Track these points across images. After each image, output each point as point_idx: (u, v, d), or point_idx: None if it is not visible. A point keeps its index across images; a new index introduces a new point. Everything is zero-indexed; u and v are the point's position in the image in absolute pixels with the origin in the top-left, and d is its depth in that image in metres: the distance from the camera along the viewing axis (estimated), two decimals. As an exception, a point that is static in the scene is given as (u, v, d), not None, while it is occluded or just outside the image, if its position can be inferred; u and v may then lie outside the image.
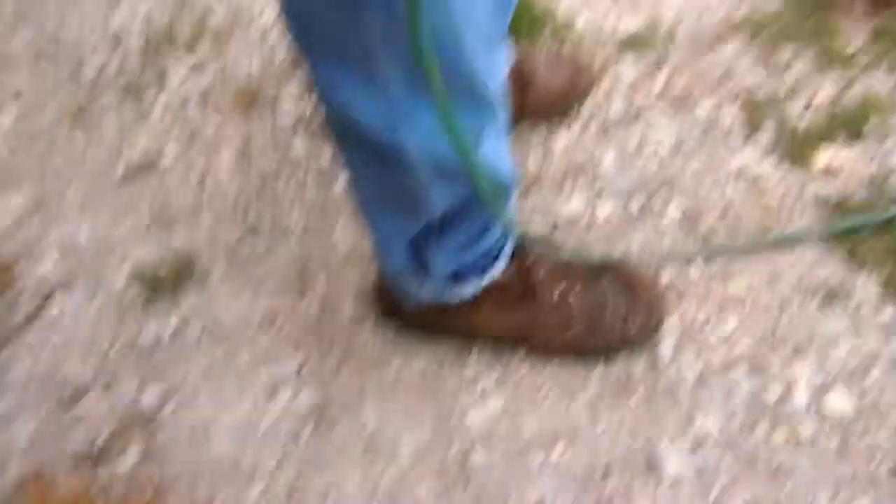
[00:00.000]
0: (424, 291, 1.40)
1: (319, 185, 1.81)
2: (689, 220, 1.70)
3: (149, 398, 1.50)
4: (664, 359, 1.50)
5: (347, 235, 1.72)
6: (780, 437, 1.42)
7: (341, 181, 1.81)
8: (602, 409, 1.46)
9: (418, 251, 1.33)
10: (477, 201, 1.23)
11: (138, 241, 1.74)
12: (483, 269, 1.39)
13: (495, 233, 1.37)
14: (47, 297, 1.65)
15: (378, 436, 1.45)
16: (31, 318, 1.62)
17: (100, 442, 1.45)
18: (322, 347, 1.56)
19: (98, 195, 1.82)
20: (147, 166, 1.84)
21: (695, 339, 1.53)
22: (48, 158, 1.87)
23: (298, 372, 1.54)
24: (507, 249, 1.41)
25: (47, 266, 1.71)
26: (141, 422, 1.47)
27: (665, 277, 1.59)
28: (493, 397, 1.49)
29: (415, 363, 1.53)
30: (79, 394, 1.51)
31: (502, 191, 1.23)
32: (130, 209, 1.79)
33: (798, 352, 1.49)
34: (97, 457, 1.43)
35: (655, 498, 1.36)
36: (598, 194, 1.74)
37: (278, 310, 1.62)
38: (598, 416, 1.45)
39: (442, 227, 1.28)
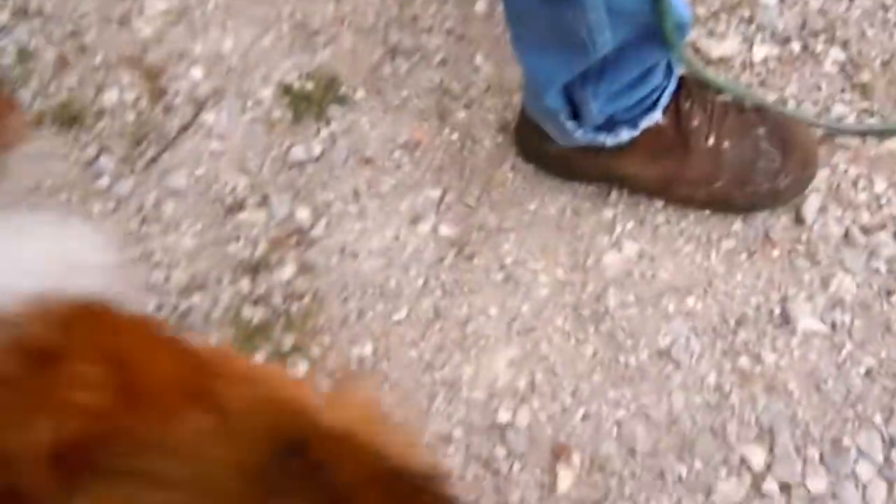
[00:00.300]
0: (574, 134, 1.39)
1: (460, 7, 1.75)
2: (851, 66, 1.61)
3: (301, 215, 1.58)
4: (808, 216, 1.49)
5: (489, 66, 1.69)
6: (917, 302, 1.43)
7: (482, 4, 1.75)
8: (740, 263, 1.48)
9: (575, 93, 1.32)
10: (640, 45, 1.21)
11: (282, 56, 1.75)
12: (638, 117, 1.38)
13: (654, 80, 1.34)
14: (200, 107, 1.71)
15: (516, 268, 1.52)
16: (186, 127, 1.69)
17: (258, 254, 1.55)
18: (463, 180, 1.60)
19: (239, 6, 1.81)
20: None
21: (841, 198, 1.51)
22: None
23: (440, 202, 1.59)
24: (665, 98, 1.38)
25: (196, 76, 1.75)
26: (295, 237, 1.56)
27: (817, 131, 1.54)
28: (630, 242, 1.52)
29: (553, 203, 1.56)
30: (237, 206, 1.60)
31: (681, 28, 1.19)
32: (273, 22, 1.78)
33: (951, 220, 1.46)
34: (256, 267, 1.54)
35: (785, 352, 1.41)
36: (755, 34, 1.65)
37: (420, 136, 1.65)
38: (735, 268, 1.48)
39: (602, 70, 1.26)
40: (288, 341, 1.47)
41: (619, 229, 1.53)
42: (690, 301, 1.46)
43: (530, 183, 1.59)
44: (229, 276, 1.53)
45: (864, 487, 1.30)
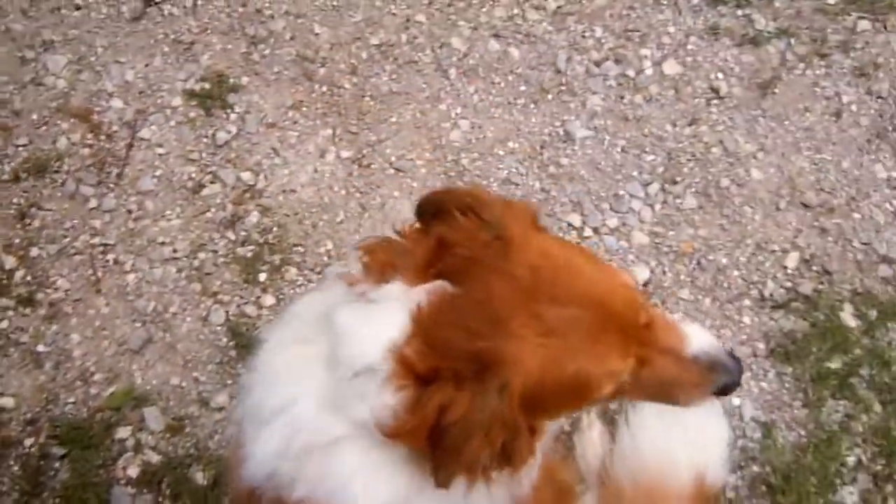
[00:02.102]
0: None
1: (291, -8, 2.40)
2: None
3: (244, 176, 2.25)
4: (561, 66, 2.35)
5: (326, 30, 2.39)
6: (639, 98, 2.34)
7: (305, -15, 2.41)
8: (531, 110, 2.33)
9: None
10: None
11: (174, 70, 2.35)
12: None
13: None
14: (133, 128, 2.29)
15: (400, 162, 2.29)
16: (131, 145, 2.27)
17: (228, 212, 2.22)
18: (342, 116, 2.32)
19: (121, 44, 2.36)
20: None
21: (578, 46, 2.37)
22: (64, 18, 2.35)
23: (333, 136, 2.31)
24: None
25: (118, 105, 2.32)
26: (248, 193, 2.24)
27: None
28: (463, 120, 2.32)
29: (406, 112, 2.32)
30: (197, 186, 2.24)
31: None
32: (154, 46, 2.36)
33: (644, 39, 2.37)
34: (232, 221, 2.21)
35: (573, 155, 2.30)
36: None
37: (300, 97, 2.34)
38: (530, 115, 2.33)
39: None
40: (276, 259, 2.18)
41: (453, 114, 2.32)
42: (511, 144, 2.30)
43: (386, 104, 2.34)
44: (216, 233, 2.20)
45: (639, 213, 2.23)
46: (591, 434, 1.97)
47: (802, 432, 2.02)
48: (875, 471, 2.00)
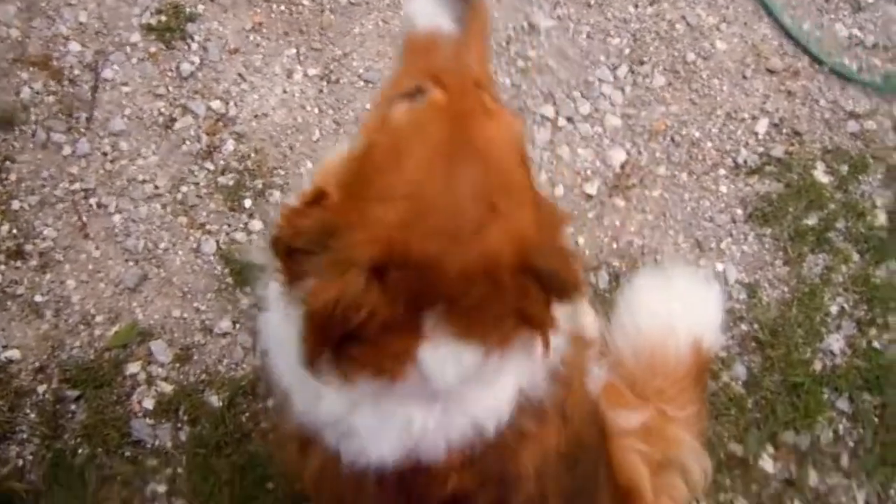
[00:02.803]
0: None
1: (235, -88, 2.34)
2: None
3: (214, 105, 2.24)
4: (518, -41, 2.33)
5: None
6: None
7: None
8: (495, 1, 2.32)
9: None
10: None
11: (128, 5, 2.30)
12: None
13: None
14: (95, 69, 2.26)
15: (368, 73, 2.29)
16: (95, 87, 2.24)
17: (203, 144, 2.22)
18: (304, 34, 2.30)
19: (74, -20, 2.30)
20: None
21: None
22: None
23: (298, 55, 2.29)
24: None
25: (76, 48, 2.28)
26: (220, 122, 2.24)
27: None
28: (426, 23, 2.31)
29: (368, 22, 2.30)
30: (169, 121, 2.23)
31: None
32: (107, -17, 2.31)
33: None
34: (208, 152, 2.21)
35: (539, 45, 2.30)
36: None
37: (259, 18, 2.31)
38: (492, 7, 2.31)
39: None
40: (258, 184, 2.19)
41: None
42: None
43: (346, 16, 2.32)
44: (195, 166, 2.20)
45: (610, 97, 2.26)
46: (585, 321, 2.04)
47: (785, 288, 2.11)
48: (858, 317, 2.10)
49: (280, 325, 1.19)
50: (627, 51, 2.32)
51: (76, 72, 2.26)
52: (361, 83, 2.28)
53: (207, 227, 2.13)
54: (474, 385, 1.07)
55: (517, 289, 1.03)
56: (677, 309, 1.77)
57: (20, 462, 1.92)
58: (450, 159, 1.01)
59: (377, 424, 1.09)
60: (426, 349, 1.02)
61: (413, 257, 0.98)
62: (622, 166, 2.19)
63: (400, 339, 1.02)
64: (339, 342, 1.02)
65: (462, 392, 1.08)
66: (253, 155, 2.21)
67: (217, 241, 2.11)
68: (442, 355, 1.03)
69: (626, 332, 1.79)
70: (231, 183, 2.18)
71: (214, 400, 1.96)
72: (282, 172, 2.20)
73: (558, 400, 1.20)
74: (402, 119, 1.06)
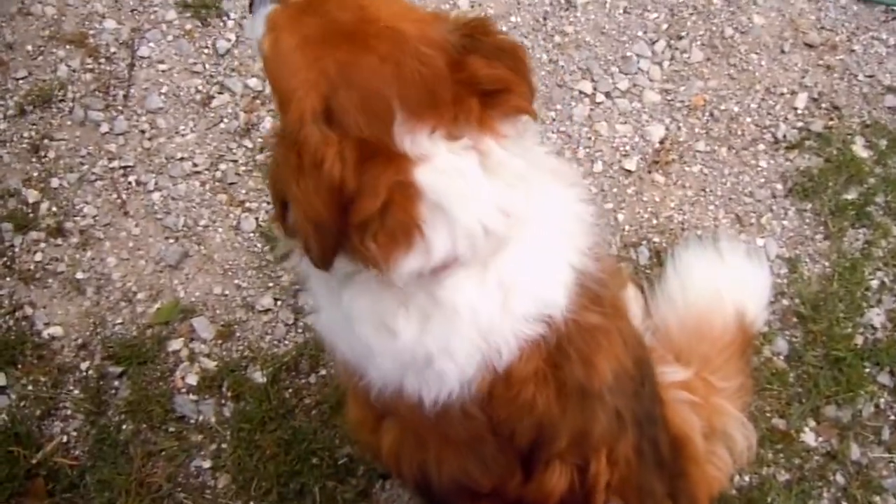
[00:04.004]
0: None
1: None
2: None
3: (251, 83, 2.23)
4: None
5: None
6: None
7: None
8: (529, -19, 2.30)
9: None
10: None
11: (164, -19, 2.29)
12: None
13: None
14: (132, 46, 2.26)
15: None
16: (132, 64, 2.24)
17: (241, 122, 2.22)
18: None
19: (109, -43, 2.29)
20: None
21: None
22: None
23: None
24: None
25: (112, 26, 2.27)
26: (258, 100, 2.23)
27: None
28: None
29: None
30: (207, 98, 2.22)
31: None
32: (142, -41, 2.30)
33: None
34: (247, 130, 2.21)
35: (576, 21, 2.29)
36: None
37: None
38: (529, -14, 2.30)
39: None
40: (296, 162, 2.19)
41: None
42: (513, 18, 2.30)
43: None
44: (233, 143, 2.20)
45: (648, 72, 2.25)
46: (627, 295, 2.04)
47: (826, 263, 2.10)
48: (898, 291, 2.10)
49: (330, 296, 1.20)
50: (665, 26, 2.31)
51: (112, 49, 2.26)
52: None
53: (247, 204, 2.13)
54: (510, 226, 1.06)
55: (449, 63, 1.04)
56: (724, 281, 1.77)
57: (65, 438, 1.94)
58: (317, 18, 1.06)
59: (447, 332, 1.09)
60: (420, 170, 1.01)
61: (340, 82, 1.01)
62: (661, 142, 2.18)
63: (387, 175, 1.01)
64: (344, 235, 1.03)
65: (502, 243, 1.07)
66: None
67: (257, 219, 2.11)
68: (439, 167, 1.02)
69: (672, 302, 1.79)
70: (269, 160, 2.18)
71: (258, 376, 1.96)
72: (320, 149, 2.19)
73: (612, 298, 1.21)
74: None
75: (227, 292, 2.06)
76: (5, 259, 2.06)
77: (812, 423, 1.98)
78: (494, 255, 1.07)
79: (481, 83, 1.05)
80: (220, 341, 2.01)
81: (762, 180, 2.17)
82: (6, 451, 1.87)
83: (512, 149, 1.07)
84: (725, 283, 1.79)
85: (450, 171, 1.03)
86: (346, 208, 1.01)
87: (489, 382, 1.12)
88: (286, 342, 2.01)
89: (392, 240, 1.02)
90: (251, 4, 1.19)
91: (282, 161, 1.04)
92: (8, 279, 2.05)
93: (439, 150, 1.03)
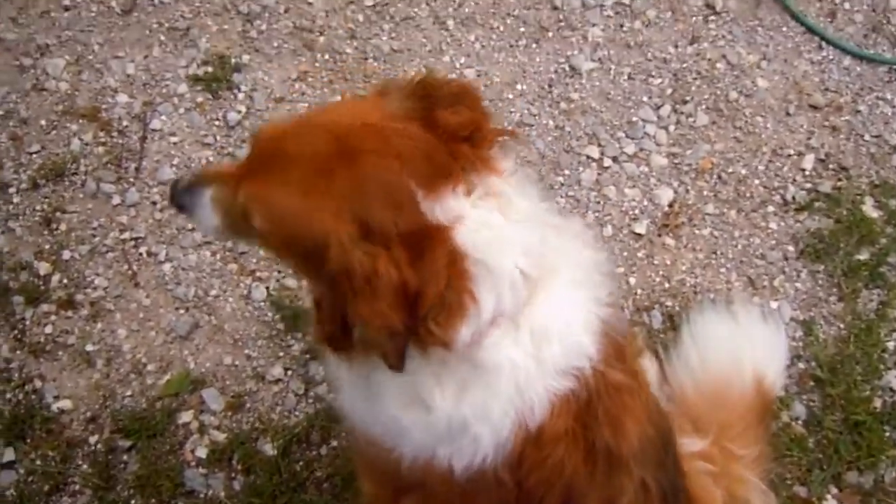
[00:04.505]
0: None
1: (279, -36, 2.38)
2: None
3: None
4: (558, 3, 2.36)
5: (319, 0, 2.38)
6: (638, 24, 2.36)
7: (291, -45, 2.39)
8: (533, 50, 2.34)
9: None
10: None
11: (175, 57, 2.34)
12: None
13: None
14: (143, 120, 2.29)
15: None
16: (144, 137, 2.27)
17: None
18: (348, 82, 2.33)
19: (116, 39, 2.35)
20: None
21: (570, -18, 2.38)
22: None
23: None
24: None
25: (124, 100, 2.31)
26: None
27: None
28: (468, 69, 2.33)
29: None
30: (217, 170, 2.25)
31: None
32: (150, 37, 2.35)
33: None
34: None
35: (581, 88, 2.31)
36: None
37: (304, 67, 2.34)
38: (534, 55, 2.34)
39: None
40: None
41: (457, 64, 2.33)
42: (519, 86, 2.33)
43: (390, 63, 2.34)
44: (244, 213, 2.21)
45: (654, 136, 2.27)
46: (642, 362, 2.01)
47: (841, 325, 2.08)
48: (915, 353, 2.07)
49: (355, 375, 1.19)
50: (669, 90, 2.33)
51: (125, 123, 2.29)
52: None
53: (257, 273, 2.13)
54: (539, 268, 1.07)
55: (424, 127, 1.06)
56: (741, 345, 1.75)
57: (72, 514, 1.90)
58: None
59: (484, 395, 1.08)
60: (458, 233, 1.03)
61: (357, 197, 1.02)
62: (670, 205, 2.19)
63: (438, 253, 1.02)
64: (413, 330, 1.03)
65: (534, 290, 1.07)
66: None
67: (267, 288, 2.11)
68: (471, 224, 1.04)
69: (688, 367, 1.77)
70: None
71: (268, 448, 1.94)
72: (329, 218, 2.20)
73: (633, 356, 1.21)
74: None
75: (237, 363, 2.04)
76: (16, 332, 2.05)
77: (834, 490, 1.93)
78: (527, 304, 1.08)
79: (458, 131, 1.08)
80: (230, 412, 1.99)
81: (773, 242, 2.17)
82: (13, 528, 1.85)
83: (516, 186, 1.09)
84: (742, 348, 1.77)
85: (480, 223, 1.05)
86: (414, 304, 1.01)
87: (521, 443, 1.11)
88: (297, 413, 1.99)
89: (450, 314, 1.03)
90: (177, 203, 1.21)
91: (338, 298, 1.03)
92: (18, 352, 2.04)
93: (465, 206, 1.05)
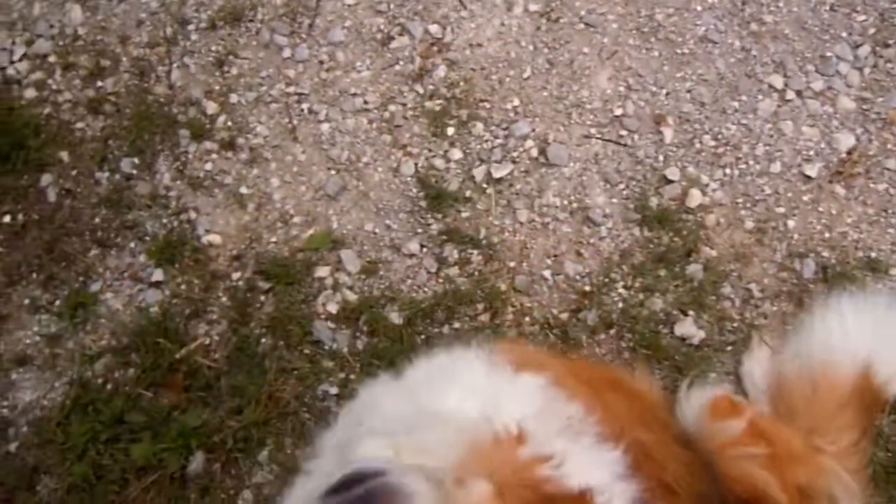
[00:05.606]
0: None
1: None
2: None
3: (432, 29, 2.24)
4: None
5: None
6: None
7: None
8: None
9: None
10: None
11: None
12: None
13: None
14: (323, -22, 2.29)
15: (589, 16, 2.21)
16: (321, -4, 2.29)
17: (416, 66, 2.23)
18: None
19: None
20: None
21: None
22: None
23: (522, -13, 2.25)
24: None
25: (308, -46, 2.31)
26: (435, 46, 2.23)
27: None
28: (659, -28, 2.20)
29: (600, -39, 2.22)
30: (386, 39, 2.25)
31: None
32: None
33: None
34: (420, 74, 2.22)
35: (777, 10, 2.15)
36: None
37: (489, -55, 2.27)
38: None
39: None
40: (463, 114, 2.19)
41: (649, -33, 2.21)
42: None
43: (578, -46, 2.24)
44: (405, 86, 2.22)
45: (846, 77, 2.11)
46: (760, 353, 1.93)
47: None
48: None
49: None
50: (873, 30, 2.15)
51: (297, -16, 2.30)
52: (582, 25, 2.22)
53: (409, 148, 2.15)
54: None
55: None
56: (860, 333, 1.65)
57: (207, 340, 2.03)
58: None
59: None
60: None
61: None
62: (849, 152, 2.05)
63: None
64: None
65: None
66: (462, 84, 2.20)
67: (416, 164, 2.13)
68: None
69: (806, 349, 1.69)
70: (437, 108, 2.19)
71: (395, 316, 2.00)
72: (487, 105, 2.19)
73: None
74: None
75: (377, 230, 2.09)
76: (178, 164, 2.16)
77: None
78: None
79: None
80: (363, 276, 2.06)
81: (955, 210, 2.01)
82: (154, 341, 1.99)
83: None
84: (860, 335, 1.67)
85: None
86: None
87: None
88: (426, 289, 2.03)
89: None
90: None
91: None
92: (178, 182, 2.15)
93: None
